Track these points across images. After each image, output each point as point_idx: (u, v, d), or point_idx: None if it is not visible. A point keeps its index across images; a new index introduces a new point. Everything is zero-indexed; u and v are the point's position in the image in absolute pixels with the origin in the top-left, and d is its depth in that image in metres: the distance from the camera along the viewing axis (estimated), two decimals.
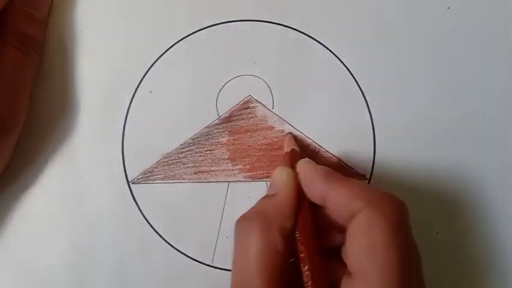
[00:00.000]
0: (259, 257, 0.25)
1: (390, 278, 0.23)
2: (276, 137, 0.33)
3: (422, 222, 0.33)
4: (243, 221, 0.27)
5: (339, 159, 0.33)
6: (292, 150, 0.31)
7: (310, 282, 0.25)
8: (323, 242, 0.28)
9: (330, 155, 0.33)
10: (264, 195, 0.30)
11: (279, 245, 0.26)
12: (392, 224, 0.24)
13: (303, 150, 0.32)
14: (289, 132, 0.33)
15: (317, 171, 0.28)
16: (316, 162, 0.29)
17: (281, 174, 0.28)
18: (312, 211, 0.28)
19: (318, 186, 0.27)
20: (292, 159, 0.30)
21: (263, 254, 0.26)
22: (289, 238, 0.27)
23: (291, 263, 0.27)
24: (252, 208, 0.28)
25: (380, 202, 0.25)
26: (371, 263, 0.24)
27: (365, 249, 0.24)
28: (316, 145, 0.33)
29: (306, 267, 0.26)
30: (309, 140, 0.33)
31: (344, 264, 0.26)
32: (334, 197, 0.26)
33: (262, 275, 0.25)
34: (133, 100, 0.33)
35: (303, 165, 0.29)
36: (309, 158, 0.30)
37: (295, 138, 0.32)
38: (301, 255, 0.26)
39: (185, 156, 0.33)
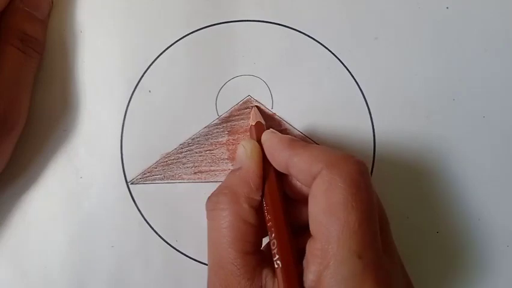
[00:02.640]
0: (231, 228, 0.26)
1: (349, 236, 0.23)
2: None
3: (422, 222, 0.33)
4: (212, 197, 0.28)
5: None
6: (257, 123, 0.31)
7: (276, 249, 0.26)
8: (295, 218, 0.28)
9: None
10: None
11: (249, 217, 0.27)
12: (351, 183, 0.24)
13: (270, 122, 0.32)
14: (255, 106, 0.33)
15: (281, 140, 0.28)
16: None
17: (245, 147, 0.29)
18: (280, 183, 0.28)
19: (281, 153, 0.27)
20: (257, 132, 0.30)
21: (234, 225, 0.26)
22: (259, 211, 0.27)
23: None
24: (220, 185, 0.29)
25: (338, 163, 0.25)
26: (330, 222, 0.24)
27: (323, 210, 0.24)
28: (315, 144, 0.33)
29: (273, 235, 0.26)
30: (308, 139, 0.33)
31: None
32: (296, 163, 0.27)
33: (235, 245, 0.26)
34: (132, 99, 0.33)
35: (267, 136, 0.29)
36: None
37: (262, 112, 0.32)
38: (269, 223, 0.27)
39: (184, 156, 0.33)
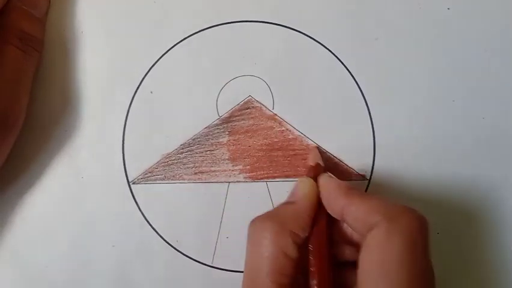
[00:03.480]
0: (271, 258, 0.26)
1: None
2: (276, 138, 0.33)
3: None
4: (258, 221, 0.28)
5: (339, 160, 0.33)
6: (317, 164, 0.31)
7: None
8: (336, 255, 0.28)
9: (330, 155, 0.33)
10: (264, 196, 0.31)
11: (291, 251, 0.26)
12: (408, 239, 0.24)
13: (328, 165, 0.32)
14: (315, 146, 0.33)
15: (338, 186, 0.28)
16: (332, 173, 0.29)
17: (303, 184, 0.29)
18: (329, 225, 0.28)
19: (338, 200, 0.27)
20: (315, 173, 0.30)
21: (274, 256, 0.26)
22: (302, 247, 0.27)
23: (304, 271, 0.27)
24: (268, 211, 0.29)
25: (398, 216, 0.25)
26: (380, 278, 0.23)
27: (376, 264, 0.24)
28: (317, 145, 0.33)
29: (315, 282, 0.26)
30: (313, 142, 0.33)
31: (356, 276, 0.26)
32: (353, 212, 0.26)
33: (273, 277, 0.26)
34: (134, 100, 0.33)
35: (325, 180, 0.29)
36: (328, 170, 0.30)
37: (321, 153, 0.32)
38: (312, 268, 0.27)
39: (185, 157, 0.33)
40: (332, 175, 0.29)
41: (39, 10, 0.32)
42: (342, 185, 0.28)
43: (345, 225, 0.28)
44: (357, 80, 0.33)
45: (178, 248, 0.33)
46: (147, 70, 0.33)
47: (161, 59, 0.33)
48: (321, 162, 0.31)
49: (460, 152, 0.33)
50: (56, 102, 0.33)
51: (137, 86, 0.33)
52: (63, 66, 0.33)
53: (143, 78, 0.33)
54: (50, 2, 0.33)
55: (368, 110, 0.33)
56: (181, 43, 0.33)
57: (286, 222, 0.27)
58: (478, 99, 0.33)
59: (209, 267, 0.32)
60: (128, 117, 0.33)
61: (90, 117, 0.33)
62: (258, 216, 0.28)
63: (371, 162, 0.33)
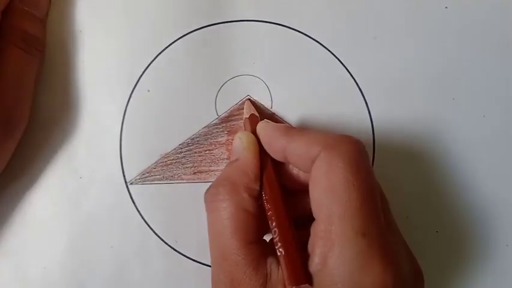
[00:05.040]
0: (232, 218, 0.26)
1: (352, 215, 0.23)
2: None
3: (422, 221, 0.33)
4: (211, 189, 0.28)
5: None
6: (251, 115, 0.31)
7: (278, 237, 0.26)
8: (294, 210, 0.28)
9: None
10: None
11: (250, 206, 0.27)
12: (350, 162, 0.24)
13: (263, 115, 0.32)
14: (248, 99, 0.33)
15: (277, 128, 0.28)
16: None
17: (241, 139, 0.29)
18: (277, 173, 0.28)
19: (278, 141, 0.28)
20: (252, 124, 0.30)
21: (235, 215, 0.26)
22: (259, 200, 0.27)
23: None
24: (217, 177, 0.29)
25: (336, 144, 0.25)
26: (331, 202, 0.24)
27: (324, 191, 0.24)
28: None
29: (274, 224, 0.26)
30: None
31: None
32: (294, 149, 0.27)
33: (238, 235, 0.26)
34: (131, 99, 0.33)
35: (263, 125, 0.29)
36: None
37: (255, 104, 0.33)
38: (269, 213, 0.27)
39: (184, 157, 0.33)
40: (269, 121, 0.30)
41: (40, 11, 0.32)
42: (280, 126, 0.29)
43: (295, 172, 0.29)
44: (356, 79, 0.33)
45: (176, 249, 0.32)
46: (144, 68, 0.33)
47: (158, 57, 0.33)
48: (255, 113, 0.31)
49: (460, 151, 0.33)
50: (54, 102, 0.33)
51: (134, 84, 0.33)
52: (61, 66, 0.33)
53: (140, 77, 0.33)
54: (50, 2, 0.33)
55: (368, 109, 0.33)
56: (178, 41, 0.33)
57: (237, 180, 0.27)
58: (478, 98, 0.33)
59: (208, 267, 0.32)
60: (126, 117, 0.33)
61: (87, 117, 0.33)
62: (210, 186, 0.28)
63: (370, 162, 0.32)
